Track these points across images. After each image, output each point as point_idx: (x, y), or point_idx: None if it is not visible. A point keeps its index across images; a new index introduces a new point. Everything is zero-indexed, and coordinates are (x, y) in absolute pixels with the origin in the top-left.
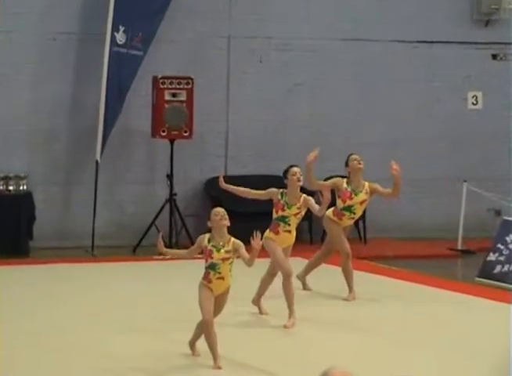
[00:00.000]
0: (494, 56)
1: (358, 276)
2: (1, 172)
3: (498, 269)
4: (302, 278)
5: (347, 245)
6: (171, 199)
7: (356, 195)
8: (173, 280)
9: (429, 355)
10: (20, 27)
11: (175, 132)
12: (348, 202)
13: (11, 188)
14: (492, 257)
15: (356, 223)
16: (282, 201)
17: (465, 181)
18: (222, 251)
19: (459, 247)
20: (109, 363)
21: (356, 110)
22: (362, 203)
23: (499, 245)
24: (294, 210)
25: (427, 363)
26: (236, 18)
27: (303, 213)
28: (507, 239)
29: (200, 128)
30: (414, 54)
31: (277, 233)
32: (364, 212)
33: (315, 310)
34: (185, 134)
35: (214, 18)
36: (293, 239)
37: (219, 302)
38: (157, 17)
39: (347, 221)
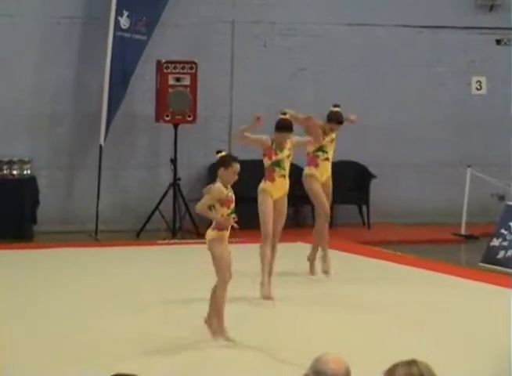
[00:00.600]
0: (498, 41)
1: (362, 261)
2: (4, 157)
3: (501, 254)
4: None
5: (327, 205)
6: (175, 183)
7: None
8: (176, 265)
9: (430, 339)
10: (23, 11)
11: (179, 117)
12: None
13: (15, 172)
14: (495, 242)
15: (360, 208)
16: (273, 148)
17: (469, 166)
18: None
19: (463, 232)
20: (113, 346)
21: (360, 94)
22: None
23: (503, 230)
24: (286, 152)
25: (428, 347)
26: (239, 3)
27: (292, 155)
28: (511, 224)
29: (204, 113)
30: (419, 39)
31: (273, 180)
32: (368, 197)
33: (319, 292)
34: (189, 118)
35: (218, 3)
36: (288, 186)
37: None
38: (161, 2)
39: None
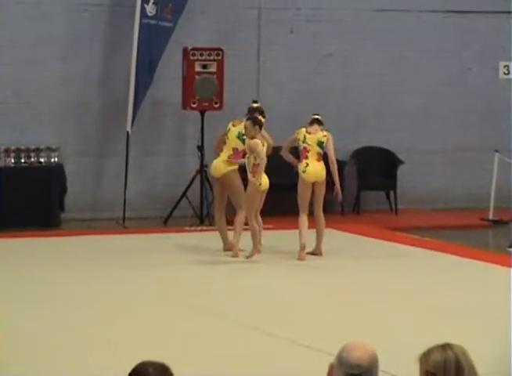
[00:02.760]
0: None
1: (390, 247)
2: (32, 144)
3: None
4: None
5: None
6: (202, 170)
7: None
8: (204, 251)
9: (459, 323)
10: None
11: (206, 104)
12: None
13: (42, 160)
14: None
15: (387, 194)
16: None
17: (496, 151)
18: None
19: (491, 217)
20: (144, 336)
21: (387, 80)
22: None
23: None
24: None
25: (457, 332)
26: None
27: None
28: None
29: (231, 100)
30: (445, 24)
31: None
32: (395, 183)
33: (347, 278)
34: (216, 105)
35: None
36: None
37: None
38: None
39: None
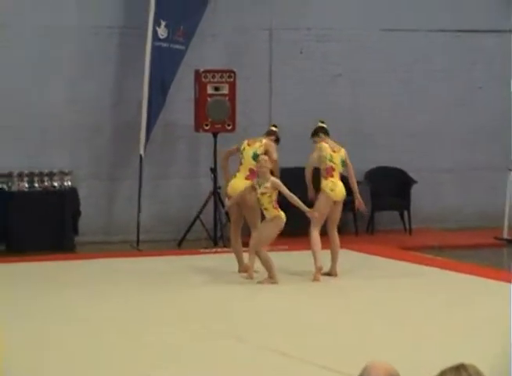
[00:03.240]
0: None
1: (405, 266)
2: (45, 168)
3: None
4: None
5: None
6: (215, 192)
7: None
8: (218, 273)
9: (475, 343)
10: (62, 22)
11: (218, 126)
12: None
13: (55, 184)
14: None
15: (401, 214)
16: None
17: (510, 170)
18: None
19: (505, 236)
20: (150, 357)
21: (397, 100)
22: None
23: None
24: None
25: (472, 352)
26: (276, 10)
27: None
28: None
29: (243, 121)
30: (454, 43)
31: None
32: (409, 202)
33: (361, 298)
34: (228, 127)
35: (256, 10)
36: None
37: None
38: (199, 11)
39: None
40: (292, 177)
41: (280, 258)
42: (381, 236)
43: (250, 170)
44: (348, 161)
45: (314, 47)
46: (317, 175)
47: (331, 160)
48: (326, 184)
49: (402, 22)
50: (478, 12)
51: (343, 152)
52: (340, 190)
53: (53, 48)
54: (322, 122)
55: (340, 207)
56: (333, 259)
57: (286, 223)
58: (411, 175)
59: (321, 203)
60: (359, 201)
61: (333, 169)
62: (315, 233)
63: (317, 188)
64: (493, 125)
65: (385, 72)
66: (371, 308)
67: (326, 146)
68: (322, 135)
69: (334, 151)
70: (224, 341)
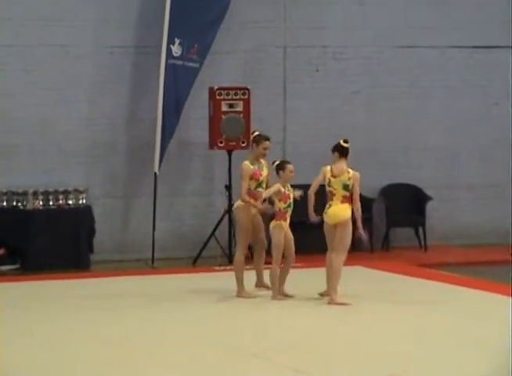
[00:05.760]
0: None
1: (420, 283)
2: (60, 186)
3: None
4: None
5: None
6: (230, 210)
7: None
8: (234, 291)
9: (491, 361)
10: (77, 41)
11: (233, 143)
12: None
13: (70, 202)
14: None
15: (416, 230)
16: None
17: None
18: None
19: None
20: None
21: (413, 116)
22: None
23: None
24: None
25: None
26: (291, 27)
27: None
28: None
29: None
30: (470, 59)
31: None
32: (424, 219)
33: (373, 316)
34: (243, 144)
35: (270, 28)
36: None
37: (288, 239)
38: (213, 29)
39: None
40: (307, 195)
41: (294, 276)
42: (396, 252)
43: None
44: (356, 187)
45: (330, 64)
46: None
47: (329, 185)
48: (325, 207)
49: (418, 39)
50: (494, 29)
51: (346, 176)
52: (331, 213)
53: (69, 67)
54: (346, 142)
55: (341, 230)
56: (328, 281)
57: (299, 241)
58: (427, 191)
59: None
60: (360, 230)
61: (333, 194)
62: (328, 255)
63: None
64: (509, 141)
65: (401, 89)
66: (386, 325)
67: (327, 170)
68: (336, 153)
69: (334, 176)
70: (241, 359)
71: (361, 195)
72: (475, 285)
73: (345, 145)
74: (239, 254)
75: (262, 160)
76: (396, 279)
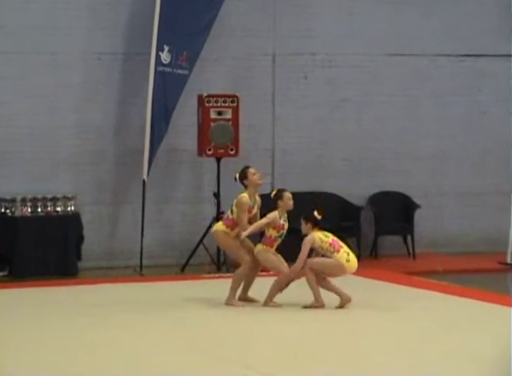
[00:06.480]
0: None
1: (408, 291)
2: (48, 193)
3: None
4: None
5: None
6: (219, 217)
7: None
8: (222, 299)
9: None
10: (65, 48)
11: (221, 151)
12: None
13: (59, 209)
14: None
15: (405, 238)
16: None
17: None
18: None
19: (509, 260)
20: None
21: (402, 124)
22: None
23: None
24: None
25: None
26: (280, 35)
27: None
28: None
29: (247, 146)
30: (459, 68)
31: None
32: (412, 227)
33: (361, 324)
34: (232, 152)
35: (259, 35)
36: None
37: None
38: (202, 36)
39: None
40: (297, 202)
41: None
42: (385, 260)
43: None
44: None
45: (319, 72)
46: None
47: (326, 242)
48: (341, 256)
49: (407, 47)
50: (483, 37)
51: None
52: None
53: (57, 74)
54: (319, 213)
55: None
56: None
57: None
58: (416, 199)
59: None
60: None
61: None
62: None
63: None
64: (498, 150)
65: (391, 97)
66: (374, 333)
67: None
68: (309, 225)
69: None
70: (230, 368)
71: (349, 203)
72: (463, 293)
73: (319, 217)
74: (243, 269)
75: (257, 197)
76: (384, 287)
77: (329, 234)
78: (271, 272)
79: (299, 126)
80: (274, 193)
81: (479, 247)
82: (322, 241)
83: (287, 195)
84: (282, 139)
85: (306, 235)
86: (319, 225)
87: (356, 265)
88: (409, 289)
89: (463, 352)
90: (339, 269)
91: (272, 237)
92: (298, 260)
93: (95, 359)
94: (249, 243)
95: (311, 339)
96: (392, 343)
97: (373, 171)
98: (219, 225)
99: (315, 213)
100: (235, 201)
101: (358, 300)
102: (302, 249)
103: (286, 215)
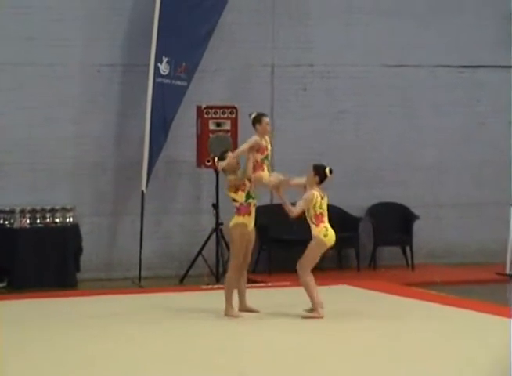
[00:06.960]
0: None
1: (407, 302)
2: (47, 205)
3: None
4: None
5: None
6: (217, 229)
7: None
8: (221, 309)
9: None
10: (64, 60)
11: None
12: None
13: (57, 220)
14: None
15: (403, 249)
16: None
17: (511, 205)
18: None
19: (508, 271)
20: None
21: (401, 135)
22: None
23: None
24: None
25: None
26: (279, 46)
27: None
28: None
29: (245, 157)
30: (458, 79)
31: (250, 213)
32: (411, 238)
33: (360, 335)
34: None
35: (258, 47)
36: None
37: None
38: (201, 47)
39: None
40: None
41: (283, 294)
42: (383, 271)
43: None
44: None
45: (317, 84)
46: None
47: (321, 207)
48: (318, 230)
49: (406, 58)
50: (482, 48)
51: (326, 197)
52: (332, 235)
53: (55, 85)
54: (330, 171)
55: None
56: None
57: (286, 260)
58: (415, 210)
59: (313, 249)
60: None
61: (323, 215)
62: (311, 277)
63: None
64: (496, 161)
65: (389, 108)
66: (373, 344)
67: (315, 193)
68: (317, 178)
69: (322, 198)
70: None
71: (348, 214)
72: (462, 304)
73: (330, 175)
74: (232, 274)
75: (266, 137)
76: (383, 298)
77: (324, 206)
78: (269, 284)
79: (297, 137)
80: (253, 116)
81: (478, 258)
82: (315, 205)
83: (266, 120)
84: (280, 150)
85: (305, 186)
86: (321, 184)
87: (334, 240)
88: (408, 300)
89: (461, 362)
90: (321, 248)
91: (259, 162)
92: (294, 210)
93: (94, 370)
94: (253, 238)
95: (309, 349)
96: (391, 354)
97: (371, 182)
98: (237, 218)
99: (327, 170)
100: None
101: (356, 311)
102: (301, 204)
103: (266, 138)
